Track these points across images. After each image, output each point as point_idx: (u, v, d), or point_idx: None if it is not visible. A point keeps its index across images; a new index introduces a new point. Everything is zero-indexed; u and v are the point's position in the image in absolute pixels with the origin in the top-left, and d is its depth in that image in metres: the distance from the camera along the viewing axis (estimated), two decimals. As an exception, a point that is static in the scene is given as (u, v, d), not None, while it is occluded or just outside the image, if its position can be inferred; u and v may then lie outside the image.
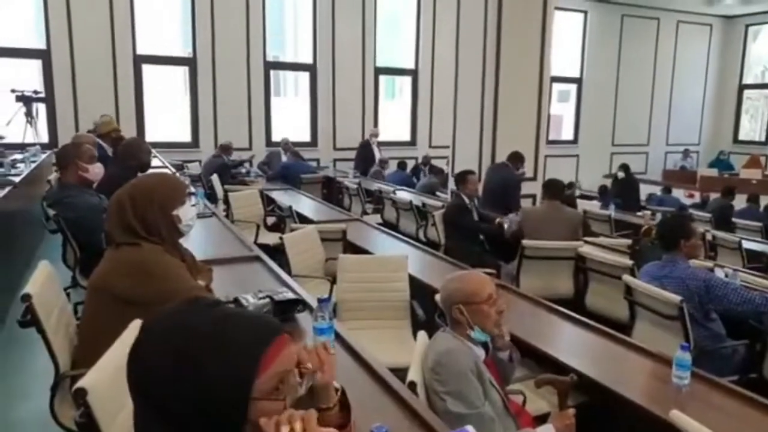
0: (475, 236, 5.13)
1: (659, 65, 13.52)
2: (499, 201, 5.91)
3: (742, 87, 14.31)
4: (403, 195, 7.03)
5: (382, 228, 5.32)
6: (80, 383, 1.43)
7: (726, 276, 3.48)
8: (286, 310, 2.35)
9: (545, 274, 4.31)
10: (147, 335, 0.92)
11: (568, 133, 13.32)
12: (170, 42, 9.58)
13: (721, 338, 3.00)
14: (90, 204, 3.40)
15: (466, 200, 5.14)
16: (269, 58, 10.05)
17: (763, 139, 13.85)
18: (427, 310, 3.13)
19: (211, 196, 6.65)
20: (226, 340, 0.88)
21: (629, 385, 2.28)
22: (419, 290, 3.35)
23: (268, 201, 6.38)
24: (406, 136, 11.38)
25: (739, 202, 8.37)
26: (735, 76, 14.27)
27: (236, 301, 2.40)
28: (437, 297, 2.12)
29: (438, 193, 8.06)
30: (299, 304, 2.40)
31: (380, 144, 9.87)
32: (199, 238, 3.80)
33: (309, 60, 10.35)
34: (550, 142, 11.01)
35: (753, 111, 14.56)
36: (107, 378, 1.48)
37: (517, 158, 6.22)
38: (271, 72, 10.17)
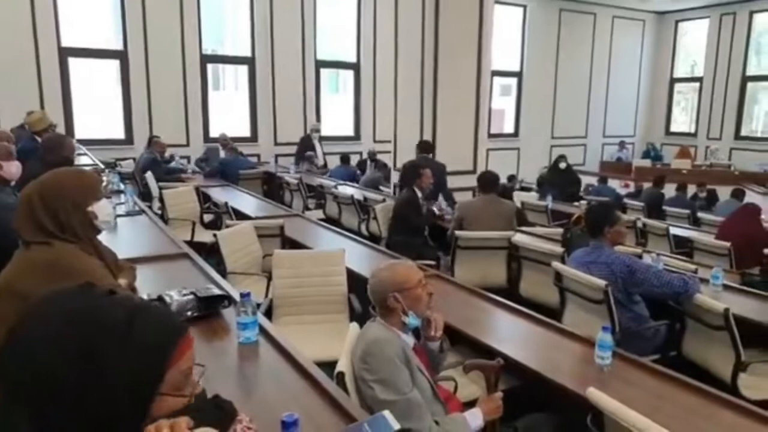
0: (421, 230, 5.16)
1: (596, 59, 13.96)
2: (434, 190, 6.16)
3: (674, 80, 14.95)
4: (345, 190, 7.00)
5: (323, 223, 5.28)
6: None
7: (652, 261, 3.63)
8: (211, 305, 2.31)
9: (480, 264, 4.38)
10: (38, 321, 0.85)
11: (509, 127, 13.59)
12: (99, 34, 9.17)
13: (644, 319, 3.12)
14: (4, 203, 3.21)
15: (419, 194, 5.17)
16: (206, 51, 9.79)
17: (693, 130, 14.53)
18: (365, 303, 3.13)
19: (145, 194, 6.44)
20: (136, 333, 0.85)
21: (555, 368, 2.35)
22: (358, 284, 3.34)
23: (205, 198, 6.23)
24: (349, 131, 11.34)
25: (671, 191, 8.76)
26: (667, 70, 14.90)
27: (160, 298, 2.33)
28: (368, 288, 2.12)
29: (381, 188, 8.08)
30: (224, 299, 2.36)
31: (323, 138, 9.79)
32: (126, 236, 3.69)
33: (248, 53, 10.15)
34: (492, 136, 11.21)
35: (684, 103, 15.25)
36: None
37: (430, 147, 6.64)
38: (209, 65, 9.92)
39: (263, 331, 2.17)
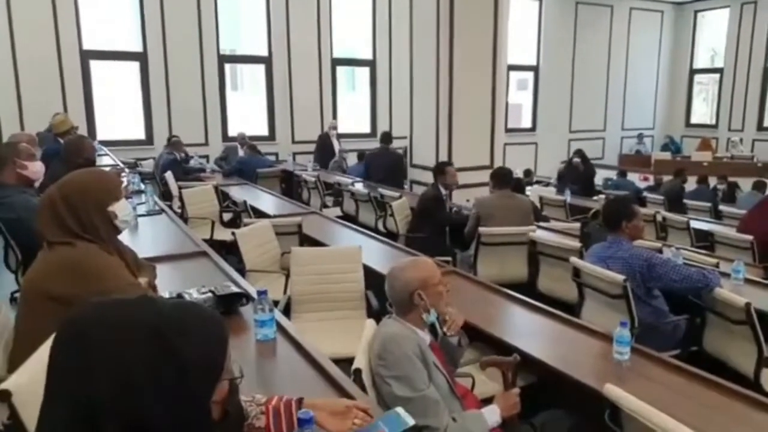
0: (444, 227, 5.16)
1: (613, 52, 13.78)
2: (391, 180, 7.24)
3: (693, 72, 14.71)
4: (362, 187, 7.02)
5: (340, 220, 5.30)
6: (4, 385, 1.39)
7: (671, 255, 3.59)
8: (230, 303, 2.34)
9: (501, 259, 4.38)
10: (93, 326, 0.88)
11: (527, 121, 13.49)
12: (119, 37, 9.31)
13: (663, 314, 3.09)
14: (30, 204, 3.27)
15: (443, 191, 5.17)
16: (224, 51, 9.88)
17: (714, 122, 14.29)
18: (382, 299, 3.15)
19: (165, 194, 6.53)
20: (195, 325, 0.90)
21: (573, 364, 2.33)
22: (375, 280, 3.35)
23: (223, 197, 6.29)
24: (366, 128, 11.35)
25: (692, 184, 8.64)
26: (686, 62, 14.66)
27: (179, 296, 2.36)
28: (386, 286, 2.13)
29: (397, 184, 8.08)
30: (243, 297, 2.39)
31: (340, 136, 9.82)
32: (146, 235, 3.74)
33: (264, 52, 10.21)
34: (509, 130, 11.17)
35: (704, 95, 14.99)
36: (34, 379, 1.44)
37: (389, 138, 7.53)
38: (227, 65, 10.01)
39: (281, 328, 2.19)
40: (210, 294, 2.33)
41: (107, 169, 4.83)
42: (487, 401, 2.25)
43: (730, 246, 4.93)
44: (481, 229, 4.38)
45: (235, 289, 2.44)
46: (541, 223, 5.11)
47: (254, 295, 2.40)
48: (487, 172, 6.11)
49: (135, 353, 0.84)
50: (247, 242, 3.86)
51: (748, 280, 3.48)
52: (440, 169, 5.23)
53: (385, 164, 7.63)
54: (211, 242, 4.91)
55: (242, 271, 3.58)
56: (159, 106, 9.24)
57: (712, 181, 9.08)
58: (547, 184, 9.48)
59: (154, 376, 0.84)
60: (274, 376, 1.99)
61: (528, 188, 7.46)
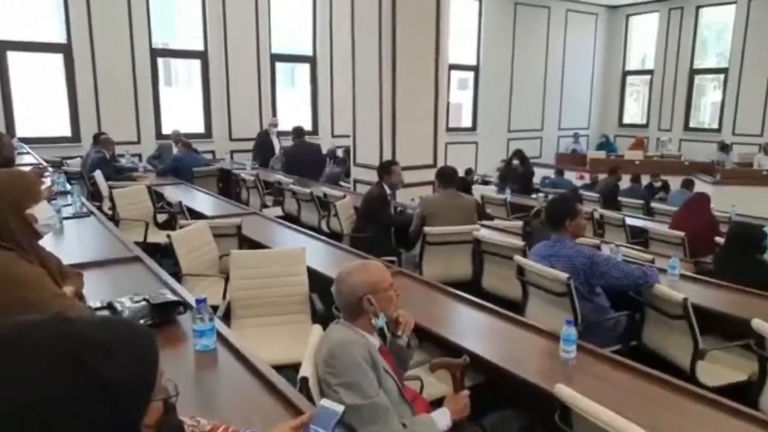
0: (388, 227, 5.10)
1: (551, 52, 14.18)
2: (311, 172, 7.76)
3: (626, 73, 15.36)
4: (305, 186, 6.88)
5: (281, 221, 5.17)
6: None
7: (611, 252, 3.68)
8: (166, 312, 2.19)
9: (446, 258, 4.38)
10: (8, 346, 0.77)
11: (467, 121, 13.67)
12: (41, 27, 8.75)
13: (605, 311, 3.15)
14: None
15: (388, 191, 5.10)
16: (157, 45, 9.48)
17: (645, 122, 14.96)
18: (327, 302, 3.07)
19: (95, 194, 6.19)
20: (121, 344, 0.82)
21: (521, 363, 2.33)
22: (319, 283, 3.27)
23: (158, 197, 6.02)
24: (307, 126, 11.17)
25: (626, 182, 8.97)
26: (619, 63, 15.29)
27: (110, 306, 2.21)
28: (333, 290, 2.05)
29: (341, 183, 8.00)
30: (179, 305, 2.25)
31: (280, 134, 9.62)
32: (73, 239, 3.52)
33: (200, 47, 9.88)
34: (450, 130, 11.26)
35: (636, 96, 15.67)
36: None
37: (302, 132, 8.21)
38: (160, 60, 9.61)
39: (221, 337, 2.08)
40: (144, 302, 2.18)
41: (27, 168, 4.52)
42: (437, 403, 2.22)
43: (663, 242, 5.13)
44: (426, 229, 4.37)
45: (171, 296, 2.30)
46: (485, 222, 5.15)
47: (192, 302, 2.27)
48: (430, 171, 6.13)
49: (49, 385, 0.73)
50: (183, 245, 3.69)
51: (683, 276, 3.60)
52: (386, 168, 5.17)
53: (304, 157, 7.98)
54: (145, 245, 4.70)
55: (178, 276, 3.41)
56: (86, 102, 8.75)
57: (645, 179, 9.48)
58: (488, 183, 9.64)
59: (77, 410, 0.74)
60: (215, 389, 1.87)
61: (470, 187, 7.53)
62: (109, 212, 5.50)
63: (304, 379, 1.87)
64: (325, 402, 1.41)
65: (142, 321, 2.11)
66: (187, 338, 2.11)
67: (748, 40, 12.36)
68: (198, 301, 1.96)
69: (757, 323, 2.35)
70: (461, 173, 7.81)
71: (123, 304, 2.17)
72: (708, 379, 2.69)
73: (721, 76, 13.42)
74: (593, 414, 1.61)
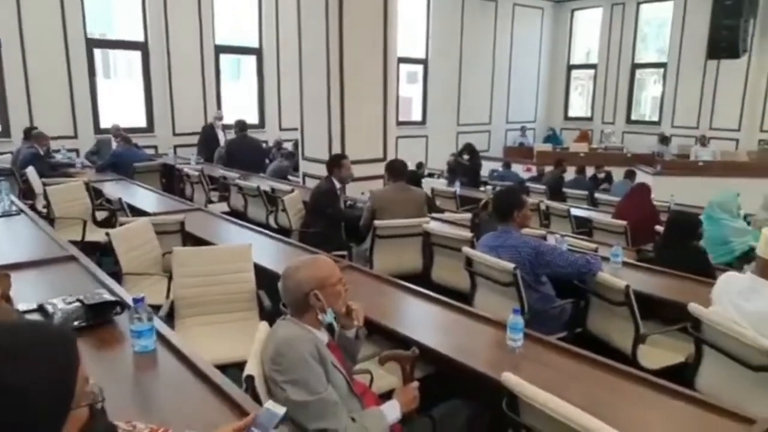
0: (339, 222, 5.04)
1: (498, 46, 14.32)
2: (253, 165, 7.87)
3: (570, 67, 15.73)
4: (251, 181, 6.75)
5: (227, 217, 5.05)
6: None
7: (556, 242, 3.76)
8: (101, 313, 2.09)
9: (397, 252, 4.38)
10: None
11: (417, 114, 13.71)
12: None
13: (551, 299, 3.21)
14: None
15: (338, 185, 5.03)
16: (93, 35, 9.06)
17: (589, 115, 15.38)
18: (275, 299, 3.01)
19: (27, 192, 5.88)
20: (30, 348, 0.78)
21: (469, 353, 2.35)
22: (267, 279, 3.21)
23: (97, 194, 5.77)
24: (254, 119, 10.97)
25: (572, 174, 9.20)
26: (564, 57, 15.62)
27: (41, 308, 2.09)
28: (279, 286, 2.00)
29: (290, 177, 7.89)
30: (116, 305, 2.14)
31: (226, 127, 9.39)
32: (1, 239, 3.31)
33: (140, 38, 9.52)
34: (401, 123, 11.27)
35: (581, 89, 16.08)
36: None
37: (245, 126, 8.39)
38: (97, 51, 9.19)
39: (162, 338, 1.99)
40: (78, 303, 2.07)
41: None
42: (387, 396, 2.21)
43: (606, 231, 5.28)
44: (376, 222, 4.35)
45: (108, 296, 2.20)
46: (435, 215, 5.17)
47: (130, 302, 2.18)
48: (380, 165, 6.11)
49: None
50: (123, 243, 3.55)
51: (625, 263, 3.72)
52: (336, 162, 5.10)
53: (246, 152, 8.05)
54: (84, 244, 4.53)
55: (119, 275, 3.28)
56: (15, 95, 8.27)
57: (589, 171, 9.75)
58: (438, 176, 9.71)
59: None
60: (155, 391, 1.80)
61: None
62: (44, 210, 5.25)
63: (250, 378, 1.83)
64: (269, 404, 1.37)
65: (75, 323, 2.01)
66: (125, 339, 2.01)
67: (685, 35, 12.84)
68: (135, 301, 1.87)
69: (693, 307, 2.43)
70: (412, 167, 7.83)
71: (55, 305, 2.05)
72: (648, 362, 2.78)
73: (661, 71, 13.92)
74: (539, 401, 1.63)
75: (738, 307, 2.30)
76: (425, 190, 5.59)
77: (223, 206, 6.55)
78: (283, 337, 1.87)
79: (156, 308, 2.99)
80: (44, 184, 5.56)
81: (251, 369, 1.85)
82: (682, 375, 2.51)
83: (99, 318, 2.08)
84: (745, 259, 4.17)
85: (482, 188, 8.16)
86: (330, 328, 2.04)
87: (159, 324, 2.08)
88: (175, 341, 1.97)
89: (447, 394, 2.42)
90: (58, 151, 7.71)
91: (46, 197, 5.24)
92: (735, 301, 2.32)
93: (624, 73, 14.33)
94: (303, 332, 1.92)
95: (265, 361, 1.87)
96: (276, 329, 1.96)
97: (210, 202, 6.67)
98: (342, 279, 2.04)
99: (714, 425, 1.81)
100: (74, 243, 4.31)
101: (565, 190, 8.23)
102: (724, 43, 10.09)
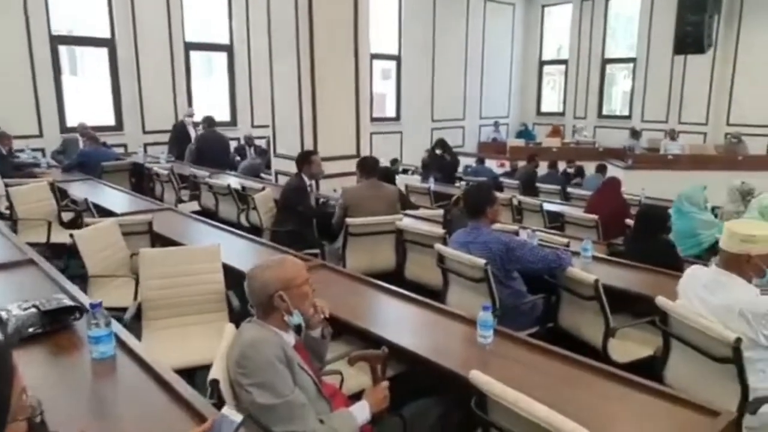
0: (310, 219, 4.99)
1: (470, 42, 14.36)
2: (221, 161, 7.95)
3: (542, 63, 15.86)
4: (222, 179, 6.65)
5: (197, 216, 4.96)
6: None
7: (527, 236, 3.76)
8: (58, 319, 2.02)
9: (370, 249, 4.34)
10: None
11: (391, 111, 13.69)
12: None
13: (522, 295, 3.21)
14: None
15: (307, 182, 4.97)
16: (58, 32, 8.83)
17: (561, 110, 15.54)
18: (245, 300, 2.95)
19: (-12, 193, 5.70)
20: None
21: (439, 351, 2.33)
22: (237, 280, 3.14)
23: (62, 194, 5.63)
24: (225, 116, 10.83)
25: (544, 168, 9.27)
26: (535, 53, 15.75)
27: (-6, 315, 2.00)
28: (245, 288, 1.95)
29: (262, 175, 7.80)
30: (75, 311, 2.07)
31: (197, 125, 9.24)
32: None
33: (107, 34, 9.30)
34: (375, 120, 11.22)
35: (552, 84, 16.23)
36: None
37: (213, 122, 8.44)
38: (62, 48, 8.97)
39: (122, 343, 1.93)
40: (33, 309, 2.00)
41: None
42: (358, 396, 2.18)
43: (578, 225, 5.33)
44: (349, 220, 4.31)
45: (66, 302, 2.13)
46: (408, 211, 5.15)
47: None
48: (354, 162, 6.08)
49: None
50: (89, 244, 3.46)
51: (595, 257, 3.74)
52: (305, 159, 5.05)
53: (215, 147, 8.12)
54: (50, 246, 4.41)
55: (86, 277, 3.19)
56: (-25, 94, 8.05)
57: (561, 165, 9.83)
58: (412, 172, 9.70)
59: None
60: (113, 399, 1.74)
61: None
62: (6, 212, 5.10)
63: (215, 382, 1.78)
64: (225, 410, 1.33)
65: (30, 329, 1.94)
66: (84, 346, 1.95)
67: (653, 31, 13.03)
68: (93, 306, 1.81)
69: (661, 300, 2.45)
70: (387, 163, 7.81)
71: (9, 312, 1.98)
72: (618, 356, 2.80)
73: (631, 66, 14.13)
74: (507, 399, 1.62)
75: (703, 301, 2.32)
76: (399, 187, 5.57)
77: (194, 205, 6.45)
78: (248, 340, 1.83)
79: (122, 311, 2.92)
80: (6, 185, 5.41)
81: (216, 372, 1.81)
82: (652, 368, 2.53)
83: (56, 324, 2.01)
84: (713, 251, 4.22)
85: (457, 184, 8.17)
86: (298, 330, 2.01)
87: (119, 329, 2.02)
88: (136, 347, 1.91)
89: (418, 393, 2.40)
90: (22, 150, 7.51)
91: (8, 198, 5.10)
92: (700, 294, 2.35)
93: (594, 69, 14.51)
94: (269, 334, 1.88)
95: (231, 364, 1.83)
96: (241, 332, 1.92)
97: (180, 201, 6.55)
98: (308, 279, 2.00)
99: (680, 418, 1.82)
100: (39, 245, 4.21)
101: (538, 185, 8.29)
102: (690, 38, 10.24)
